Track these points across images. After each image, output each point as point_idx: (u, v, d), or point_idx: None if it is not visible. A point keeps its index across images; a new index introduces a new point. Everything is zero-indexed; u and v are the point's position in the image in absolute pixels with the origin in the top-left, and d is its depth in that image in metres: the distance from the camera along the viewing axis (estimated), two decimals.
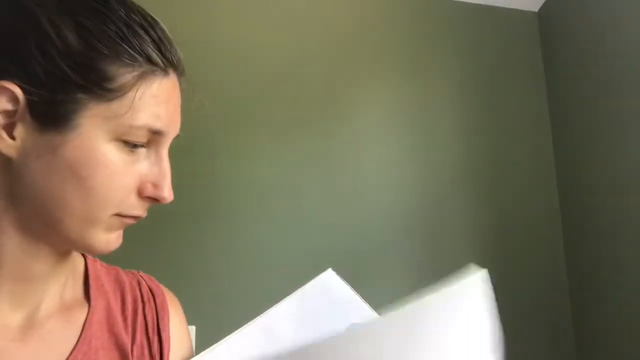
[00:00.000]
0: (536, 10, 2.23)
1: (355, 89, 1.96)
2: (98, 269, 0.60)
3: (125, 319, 0.58)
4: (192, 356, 0.63)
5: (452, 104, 2.02)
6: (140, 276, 0.64)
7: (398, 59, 2.03)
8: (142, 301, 0.61)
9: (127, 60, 0.46)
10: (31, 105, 0.44)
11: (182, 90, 0.53)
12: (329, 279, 0.69)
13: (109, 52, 0.45)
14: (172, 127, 0.51)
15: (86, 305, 0.56)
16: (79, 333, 0.53)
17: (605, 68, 1.83)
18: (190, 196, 1.70)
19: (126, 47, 0.46)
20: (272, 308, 0.66)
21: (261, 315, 0.65)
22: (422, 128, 1.97)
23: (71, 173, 0.45)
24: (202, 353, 0.61)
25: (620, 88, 1.77)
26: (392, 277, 1.81)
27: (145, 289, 0.62)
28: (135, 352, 0.57)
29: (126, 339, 0.56)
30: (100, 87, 0.45)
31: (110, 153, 0.46)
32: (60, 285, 0.54)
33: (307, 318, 0.65)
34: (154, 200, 0.51)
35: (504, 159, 2.04)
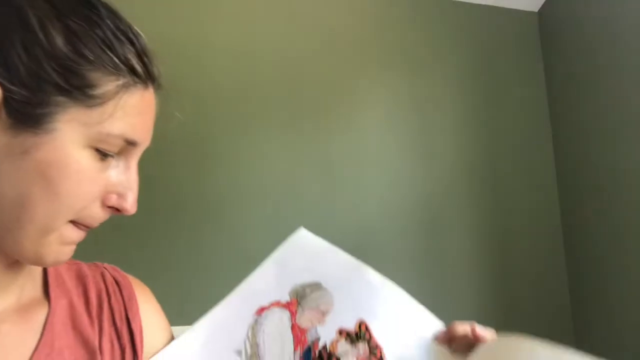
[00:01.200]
0: (536, 10, 2.23)
1: (355, 89, 1.96)
2: (59, 268, 0.59)
3: (90, 314, 0.56)
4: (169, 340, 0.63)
5: (452, 104, 2.02)
6: (104, 268, 0.62)
7: (398, 58, 2.03)
8: (107, 293, 0.59)
9: (111, 69, 0.46)
10: (8, 102, 0.43)
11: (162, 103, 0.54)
12: (302, 236, 0.70)
13: (94, 58, 0.45)
14: (145, 138, 0.51)
15: (46, 304, 0.54)
16: (39, 335, 0.51)
17: (605, 68, 1.83)
18: (192, 195, 1.71)
19: (112, 56, 0.46)
20: (250, 275, 0.66)
21: (240, 284, 0.66)
22: (422, 128, 1.98)
23: (40, 176, 0.44)
24: (187, 330, 0.62)
25: (620, 88, 1.77)
26: (391, 274, 1.80)
27: (109, 280, 0.60)
28: (104, 346, 0.56)
29: (92, 335, 0.55)
30: (82, 92, 0.44)
31: (83, 160, 0.46)
32: (17, 287, 0.53)
33: (287, 276, 0.66)
34: (116, 210, 0.50)
35: (504, 158, 2.04)
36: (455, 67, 2.05)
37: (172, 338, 0.64)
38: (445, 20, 2.11)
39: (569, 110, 2.04)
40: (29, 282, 0.55)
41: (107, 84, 0.45)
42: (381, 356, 0.62)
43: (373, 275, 0.65)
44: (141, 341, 0.59)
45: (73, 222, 0.48)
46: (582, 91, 1.96)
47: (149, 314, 0.62)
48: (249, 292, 0.65)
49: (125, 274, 0.63)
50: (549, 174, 2.08)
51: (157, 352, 0.61)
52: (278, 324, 0.62)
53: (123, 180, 0.49)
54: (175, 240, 1.69)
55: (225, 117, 1.83)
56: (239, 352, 0.60)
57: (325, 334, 0.62)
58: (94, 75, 0.45)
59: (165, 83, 0.54)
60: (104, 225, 0.52)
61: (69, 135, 0.44)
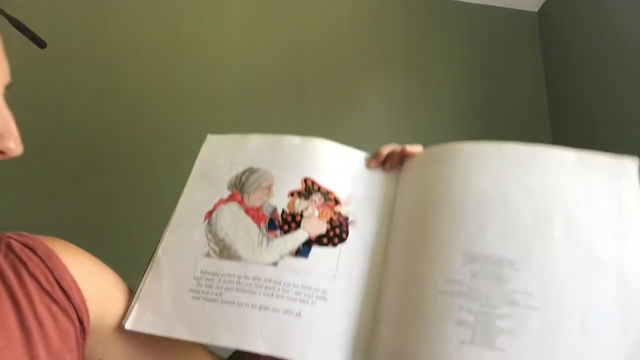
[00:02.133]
0: (536, 10, 2.24)
1: (355, 90, 1.93)
2: None
3: (10, 290, 0.51)
4: (124, 288, 0.61)
5: (452, 104, 1.98)
6: (8, 237, 0.55)
7: (397, 58, 2.01)
8: (22, 262, 0.53)
9: None
10: None
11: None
12: (212, 140, 0.71)
13: None
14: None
15: None
16: None
17: (605, 68, 1.79)
18: None
19: None
20: (181, 199, 0.66)
21: (175, 211, 0.65)
22: (422, 127, 1.92)
23: None
24: (147, 275, 0.61)
25: (620, 88, 1.72)
26: None
27: (19, 249, 0.54)
28: (41, 316, 0.50)
29: (20, 312, 0.50)
30: None
31: None
32: None
33: (217, 178, 0.67)
34: (1, 153, 0.46)
35: None
36: (455, 66, 2.04)
37: (122, 284, 0.61)
38: (445, 20, 2.09)
39: (569, 110, 1.97)
40: None
41: None
42: (335, 198, 0.63)
43: (294, 139, 0.68)
44: (81, 297, 0.54)
45: None
46: (582, 91, 1.90)
47: (81, 266, 0.57)
48: (188, 211, 0.65)
49: (35, 236, 0.57)
50: None
51: (117, 304, 0.58)
52: (231, 215, 0.63)
53: None
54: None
55: (226, 115, 1.77)
56: (207, 254, 0.60)
57: (279, 202, 0.64)
58: None
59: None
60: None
61: None
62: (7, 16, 0.58)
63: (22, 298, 0.50)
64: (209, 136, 0.71)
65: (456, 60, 2.05)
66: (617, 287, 0.49)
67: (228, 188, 0.65)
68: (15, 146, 0.46)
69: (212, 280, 0.58)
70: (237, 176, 0.66)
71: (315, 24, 1.99)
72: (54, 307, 0.52)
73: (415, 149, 0.65)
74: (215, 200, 0.64)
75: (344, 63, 1.94)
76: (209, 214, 0.63)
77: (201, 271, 0.59)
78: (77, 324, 0.54)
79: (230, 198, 0.64)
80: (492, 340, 0.50)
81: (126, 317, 0.57)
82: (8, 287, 0.50)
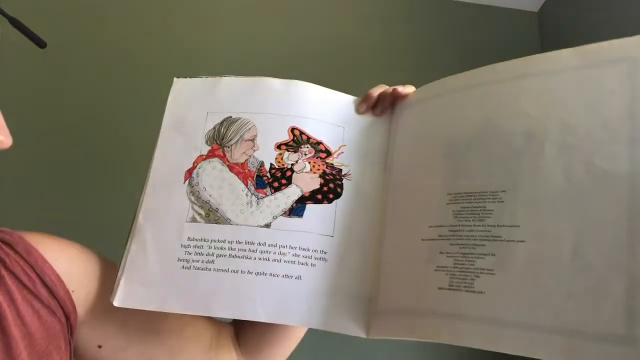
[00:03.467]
0: (536, 10, 2.23)
1: (355, 90, 1.92)
2: None
3: None
4: (114, 269, 0.56)
5: None
6: None
7: (397, 58, 1.98)
8: (0, 259, 0.50)
9: None
10: None
11: None
12: (180, 84, 0.64)
13: None
14: None
15: None
16: None
17: None
18: None
19: None
20: (155, 154, 0.60)
21: (150, 169, 0.59)
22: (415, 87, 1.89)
23: None
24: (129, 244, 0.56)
25: None
26: None
27: None
28: (23, 313, 0.48)
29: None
30: None
31: None
32: None
33: (192, 129, 0.60)
34: None
35: None
36: (455, 66, 2.00)
37: (112, 264, 0.58)
38: (445, 20, 2.07)
39: None
40: None
41: None
42: (326, 148, 0.59)
43: (274, 81, 0.62)
44: (65, 290, 0.52)
45: None
46: None
47: (64, 258, 0.54)
48: (165, 171, 0.58)
49: (10, 231, 0.54)
50: None
51: (108, 287, 0.54)
52: (213, 173, 0.57)
53: None
54: None
55: None
56: (192, 219, 0.55)
57: (266, 156, 0.58)
58: None
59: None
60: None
61: None
62: (7, 16, 0.57)
63: (2, 298, 0.47)
64: (175, 80, 0.63)
65: (456, 60, 2.05)
66: (627, 197, 0.41)
67: (206, 142, 0.59)
68: (4, 138, 0.43)
69: (202, 247, 0.54)
70: (214, 128, 0.60)
71: (315, 24, 1.99)
72: (37, 304, 0.49)
73: (407, 89, 0.62)
74: (194, 157, 0.58)
75: (344, 63, 1.93)
76: (189, 172, 0.58)
77: (188, 238, 0.54)
78: (64, 320, 0.51)
79: (211, 154, 0.58)
80: (471, 283, 0.46)
81: (113, 293, 0.53)
82: None
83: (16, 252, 0.50)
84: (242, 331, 0.64)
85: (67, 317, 0.52)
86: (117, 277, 0.53)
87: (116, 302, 0.52)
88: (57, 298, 0.51)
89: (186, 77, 0.64)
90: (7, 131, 0.43)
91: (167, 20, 1.87)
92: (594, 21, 1.86)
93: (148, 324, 0.57)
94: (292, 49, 1.93)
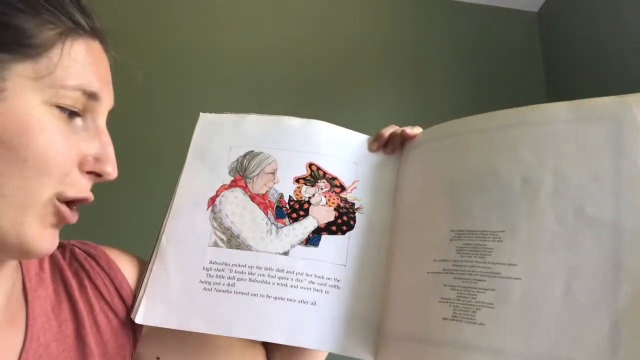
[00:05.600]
0: (536, 10, 2.25)
1: (355, 90, 1.90)
2: None
3: (71, 298, 0.52)
4: None
5: (452, 104, 1.96)
6: (72, 245, 0.57)
7: (398, 59, 1.98)
8: (84, 270, 0.55)
9: (47, 17, 0.43)
10: None
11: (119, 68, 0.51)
12: (206, 119, 0.68)
13: (26, 8, 0.42)
14: (106, 93, 0.47)
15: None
16: (23, 334, 0.47)
17: (606, 68, 1.79)
18: None
19: (45, 4, 0.43)
20: (179, 183, 0.64)
21: (174, 197, 0.63)
22: (422, 128, 1.91)
23: (1, 145, 0.39)
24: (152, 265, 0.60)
25: (620, 88, 1.72)
26: None
27: (82, 257, 0.56)
28: (100, 322, 0.53)
29: (80, 320, 0.52)
30: (20, 44, 0.41)
31: (45, 117, 0.41)
32: (3, 293, 0.48)
33: (215, 160, 0.65)
34: (98, 175, 0.47)
35: None
36: (455, 67, 2.01)
37: None
38: (446, 20, 2.08)
39: None
40: (17, 285, 0.50)
41: (46, 32, 0.42)
42: (341, 184, 0.63)
43: (294, 120, 0.67)
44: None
45: (59, 198, 0.44)
46: (583, 91, 1.90)
47: (133, 277, 0.59)
48: (189, 197, 0.62)
49: (95, 244, 0.58)
50: None
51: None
52: (235, 202, 0.61)
53: (96, 143, 0.46)
54: None
55: None
56: (215, 244, 0.59)
57: (285, 188, 0.63)
58: (29, 25, 0.41)
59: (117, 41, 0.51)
60: None
61: (22, 94, 0.40)
62: None
63: (82, 306, 0.52)
64: (202, 115, 0.68)
65: (456, 60, 2.05)
66: (611, 243, 0.46)
67: (229, 173, 0.63)
68: (112, 170, 0.47)
69: (223, 270, 0.58)
70: (237, 160, 0.64)
71: (316, 25, 2.00)
72: (111, 315, 0.54)
73: (415, 130, 0.66)
74: (217, 186, 0.63)
75: (344, 64, 1.95)
76: (212, 200, 0.62)
77: (210, 261, 0.58)
78: (131, 333, 0.56)
79: (233, 184, 0.63)
80: (473, 315, 0.50)
81: (135, 310, 0.56)
82: (70, 294, 0.53)
83: (99, 264, 0.56)
84: (271, 356, 0.68)
85: (134, 331, 0.56)
86: (139, 295, 0.57)
87: (137, 319, 0.55)
88: (129, 311, 0.56)
89: (212, 113, 0.68)
90: (115, 164, 0.48)
91: (174, 20, 1.88)
92: (594, 21, 1.86)
93: (204, 341, 0.61)
94: (292, 52, 1.94)
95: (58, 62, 0.42)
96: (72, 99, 0.43)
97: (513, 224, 0.51)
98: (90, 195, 0.46)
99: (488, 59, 2.08)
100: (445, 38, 2.07)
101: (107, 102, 0.48)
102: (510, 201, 0.52)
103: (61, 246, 0.56)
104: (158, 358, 0.59)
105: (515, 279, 0.49)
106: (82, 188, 0.45)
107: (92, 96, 0.45)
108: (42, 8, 0.43)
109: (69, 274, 0.54)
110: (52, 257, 0.54)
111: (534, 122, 0.55)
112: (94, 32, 0.47)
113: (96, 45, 0.47)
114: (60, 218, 0.44)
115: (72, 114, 0.44)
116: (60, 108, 0.43)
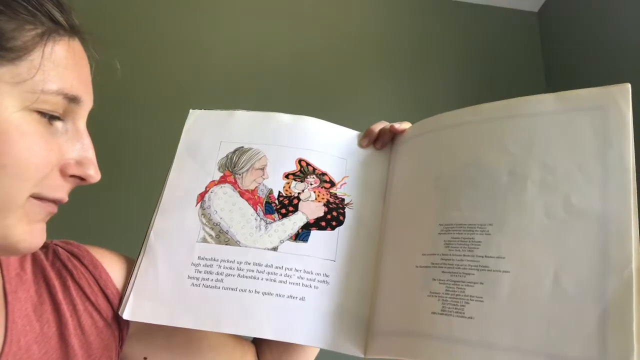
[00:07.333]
0: (536, 10, 2.25)
1: (355, 90, 1.90)
2: (11, 258, 0.52)
3: (54, 299, 0.52)
4: None
5: (452, 104, 1.95)
6: (55, 245, 0.56)
7: (397, 58, 1.98)
8: (68, 270, 0.54)
9: (26, 17, 0.41)
10: None
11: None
12: (195, 115, 0.69)
13: (4, 8, 0.40)
14: (87, 95, 0.46)
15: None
16: (3, 337, 0.46)
17: (606, 68, 1.79)
18: None
19: (23, 2, 0.41)
20: (168, 178, 0.64)
21: (163, 192, 0.63)
22: None
23: None
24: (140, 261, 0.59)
25: None
26: None
27: (65, 257, 0.55)
28: (84, 323, 0.52)
29: (63, 321, 0.51)
30: None
31: (25, 123, 0.40)
32: None
33: (205, 156, 0.65)
34: (80, 179, 0.46)
35: None
36: (455, 66, 2.00)
37: None
38: (445, 20, 2.08)
39: None
40: None
41: (25, 34, 0.41)
42: (330, 179, 0.63)
43: (284, 116, 0.67)
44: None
45: (37, 197, 0.43)
46: None
47: (119, 276, 0.58)
48: (178, 193, 0.62)
49: (78, 244, 0.57)
50: None
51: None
52: (225, 198, 0.61)
53: (77, 146, 0.45)
54: None
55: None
56: (203, 240, 0.59)
57: (274, 184, 0.63)
58: (6, 26, 0.40)
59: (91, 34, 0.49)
60: None
61: (1, 99, 0.39)
62: None
63: (66, 307, 0.51)
64: (191, 111, 0.68)
65: (456, 59, 2.05)
66: (598, 233, 0.46)
67: (219, 169, 0.63)
68: (94, 173, 0.46)
69: (211, 266, 0.57)
70: (227, 156, 0.64)
71: (315, 23, 2.00)
72: (96, 316, 0.53)
73: (404, 125, 0.66)
74: (206, 182, 0.63)
75: (344, 63, 1.98)
76: (201, 196, 0.62)
77: (198, 257, 0.58)
78: (117, 333, 0.55)
79: (223, 180, 0.63)
80: (462, 308, 0.50)
81: (122, 306, 0.55)
82: (52, 295, 0.51)
83: (83, 264, 0.55)
84: (262, 353, 0.68)
85: (121, 330, 0.55)
86: (127, 292, 0.56)
87: (125, 315, 0.55)
88: (114, 311, 0.55)
89: (201, 109, 0.68)
90: (97, 167, 0.47)
91: (172, 18, 1.88)
92: (594, 21, 1.86)
93: (192, 339, 0.60)
94: (291, 48, 1.93)
95: (39, 66, 0.41)
96: (53, 104, 0.42)
97: (501, 217, 0.51)
98: (65, 197, 0.46)
99: (488, 58, 2.07)
100: (445, 38, 2.07)
101: (87, 104, 0.47)
102: (497, 194, 0.52)
103: (44, 246, 0.55)
104: (145, 358, 0.58)
105: (503, 272, 0.49)
106: (59, 190, 0.44)
107: (73, 100, 0.44)
108: (20, 7, 0.41)
109: (51, 274, 0.53)
110: (34, 257, 0.53)
111: (521, 114, 0.55)
112: (74, 30, 0.46)
113: (76, 45, 0.46)
114: (41, 212, 0.44)
115: (52, 117, 0.43)
116: (41, 113, 0.41)
